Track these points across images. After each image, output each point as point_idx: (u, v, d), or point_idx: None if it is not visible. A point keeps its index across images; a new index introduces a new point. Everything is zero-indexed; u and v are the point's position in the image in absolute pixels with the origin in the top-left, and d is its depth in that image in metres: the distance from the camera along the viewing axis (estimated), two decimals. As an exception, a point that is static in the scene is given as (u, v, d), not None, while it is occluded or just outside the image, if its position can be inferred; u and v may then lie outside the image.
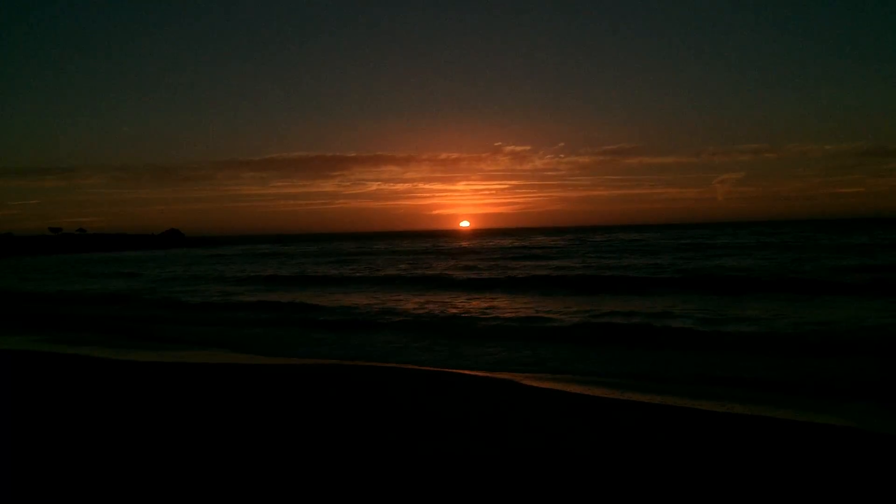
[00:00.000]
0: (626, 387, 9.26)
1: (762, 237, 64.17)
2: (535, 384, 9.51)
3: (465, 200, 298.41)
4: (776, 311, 16.07)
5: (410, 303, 20.80)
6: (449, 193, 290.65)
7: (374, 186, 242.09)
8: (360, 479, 5.17)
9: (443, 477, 5.23)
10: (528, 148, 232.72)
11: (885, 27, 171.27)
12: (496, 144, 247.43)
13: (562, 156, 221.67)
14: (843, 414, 7.57)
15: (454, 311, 18.50)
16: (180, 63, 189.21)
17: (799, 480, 5.22)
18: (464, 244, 77.59)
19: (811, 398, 8.43)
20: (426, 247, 71.70)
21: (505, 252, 53.75)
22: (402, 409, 7.71)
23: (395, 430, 6.71)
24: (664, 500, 4.81)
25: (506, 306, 19.38)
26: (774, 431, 6.70)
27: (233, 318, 18.96)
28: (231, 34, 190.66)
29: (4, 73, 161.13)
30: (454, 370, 10.79)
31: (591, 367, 10.72)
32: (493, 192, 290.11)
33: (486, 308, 18.92)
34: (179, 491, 4.92)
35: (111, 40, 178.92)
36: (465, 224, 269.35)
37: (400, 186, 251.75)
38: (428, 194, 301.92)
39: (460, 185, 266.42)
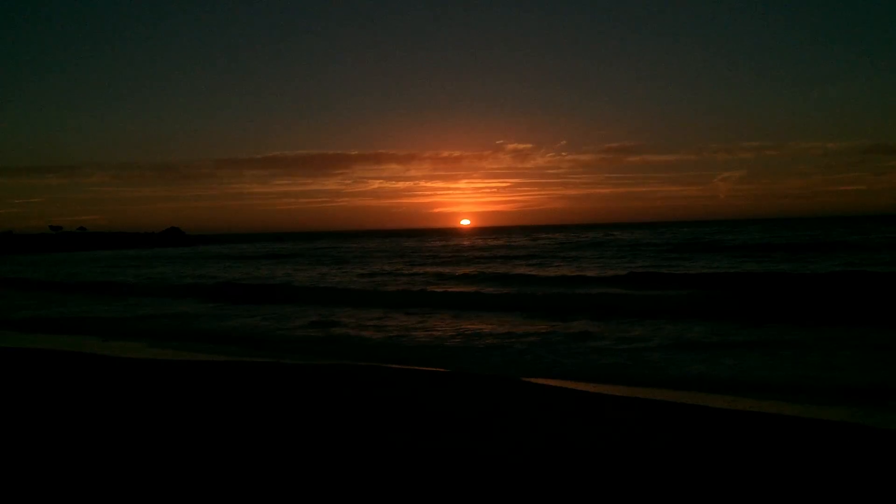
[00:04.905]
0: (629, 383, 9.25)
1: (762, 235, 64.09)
2: (538, 381, 9.49)
3: (466, 198, 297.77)
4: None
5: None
6: (450, 191, 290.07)
7: (375, 184, 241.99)
8: (362, 478, 5.12)
9: (445, 475, 5.19)
10: (529, 146, 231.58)
11: (888, 24, 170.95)
12: (498, 142, 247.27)
13: (564, 154, 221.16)
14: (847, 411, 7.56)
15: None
16: (182, 61, 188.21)
17: (804, 477, 5.19)
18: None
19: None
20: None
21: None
22: (405, 407, 7.67)
23: (397, 428, 6.66)
24: (668, 498, 4.78)
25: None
26: (779, 428, 6.67)
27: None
28: (233, 33, 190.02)
29: (6, 71, 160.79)
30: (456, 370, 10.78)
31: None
32: (495, 189, 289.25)
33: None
34: (182, 489, 4.88)
35: (113, 38, 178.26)
36: (465, 222, 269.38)
37: (401, 184, 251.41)
38: (429, 192, 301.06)
39: (462, 183, 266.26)
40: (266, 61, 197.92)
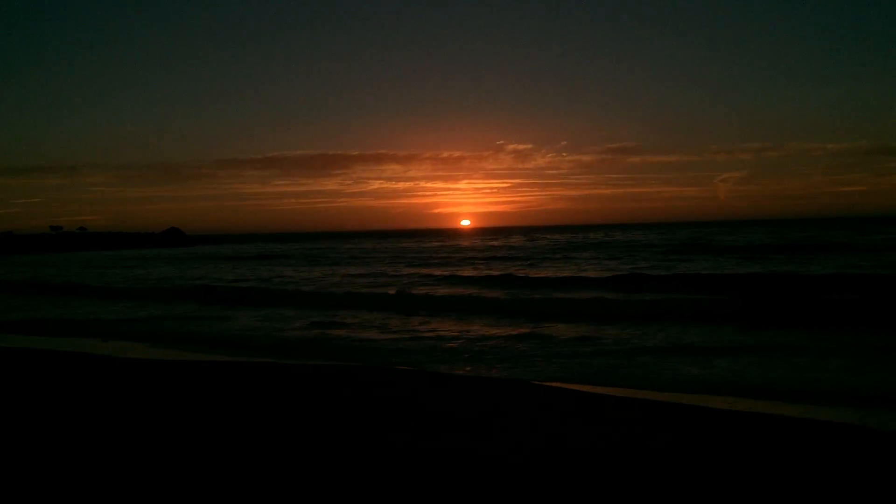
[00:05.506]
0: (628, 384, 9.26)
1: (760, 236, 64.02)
2: (537, 382, 9.50)
3: (466, 199, 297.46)
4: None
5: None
6: (451, 192, 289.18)
7: (375, 185, 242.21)
8: (362, 478, 5.13)
9: (445, 475, 5.19)
10: (530, 146, 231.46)
11: (889, 25, 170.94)
12: (498, 143, 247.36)
13: (564, 154, 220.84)
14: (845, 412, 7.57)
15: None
16: (182, 61, 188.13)
17: (803, 477, 5.20)
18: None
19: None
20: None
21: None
22: (405, 407, 7.68)
23: (397, 428, 6.67)
24: (668, 498, 4.79)
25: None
26: (779, 428, 6.68)
27: None
28: (233, 32, 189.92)
29: (5, 70, 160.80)
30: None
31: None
32: (495, 190, 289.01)
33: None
34: (183, 489, 4.89)
35: (113, 37, 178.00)
36: (465, 223, 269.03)
37: (402, 185, 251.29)
38: (430, 193, 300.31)
39: (462, 184, 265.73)
40: (266, 61, 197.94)
